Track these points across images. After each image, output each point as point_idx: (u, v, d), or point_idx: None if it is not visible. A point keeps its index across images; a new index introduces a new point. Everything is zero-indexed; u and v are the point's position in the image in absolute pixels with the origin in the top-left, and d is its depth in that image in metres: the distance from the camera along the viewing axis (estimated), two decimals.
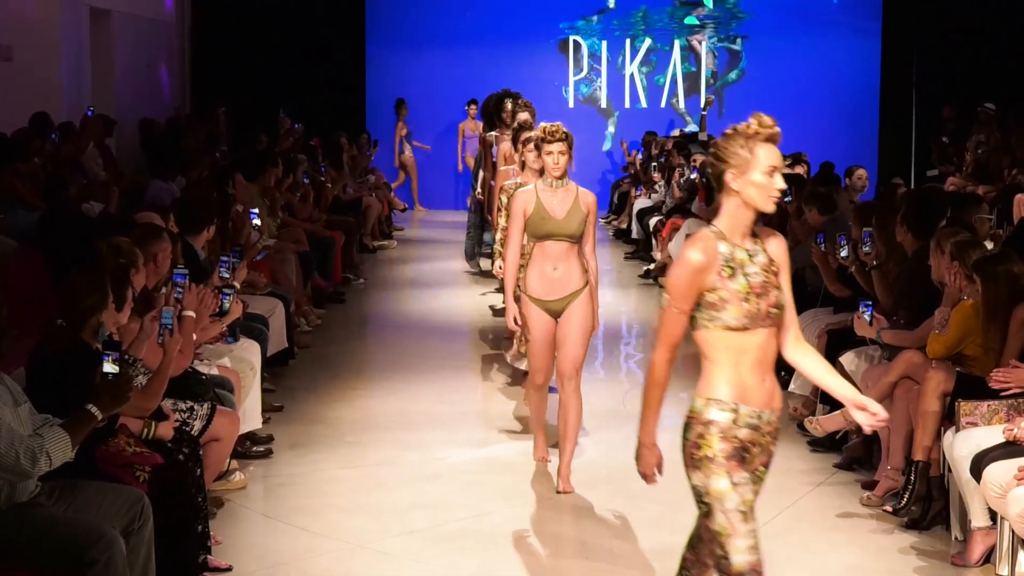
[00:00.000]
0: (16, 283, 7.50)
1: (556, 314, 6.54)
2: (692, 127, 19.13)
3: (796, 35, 19.73)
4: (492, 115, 11.68)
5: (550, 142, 6.50)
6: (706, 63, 19.86)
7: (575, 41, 19.80)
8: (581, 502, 6.52)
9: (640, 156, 17.02)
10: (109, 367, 4.69)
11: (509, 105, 11.20)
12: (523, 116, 9.40)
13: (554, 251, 6.48)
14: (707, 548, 3.83)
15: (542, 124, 6.61)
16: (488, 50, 19.46)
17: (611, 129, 19.89)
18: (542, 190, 6.54)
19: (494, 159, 11.12)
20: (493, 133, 11.43)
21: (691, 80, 20.00)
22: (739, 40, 19.90)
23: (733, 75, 20.03)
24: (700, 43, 19.93)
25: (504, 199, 8.53)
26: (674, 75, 19.98)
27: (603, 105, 20.04)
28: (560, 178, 6.52)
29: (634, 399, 8.48)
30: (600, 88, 19.93)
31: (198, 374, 6.33)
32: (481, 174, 12.13)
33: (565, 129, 6.55)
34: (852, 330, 7.13)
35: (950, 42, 18.32)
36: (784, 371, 8.52)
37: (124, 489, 4.85)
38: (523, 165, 8.28)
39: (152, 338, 5.65)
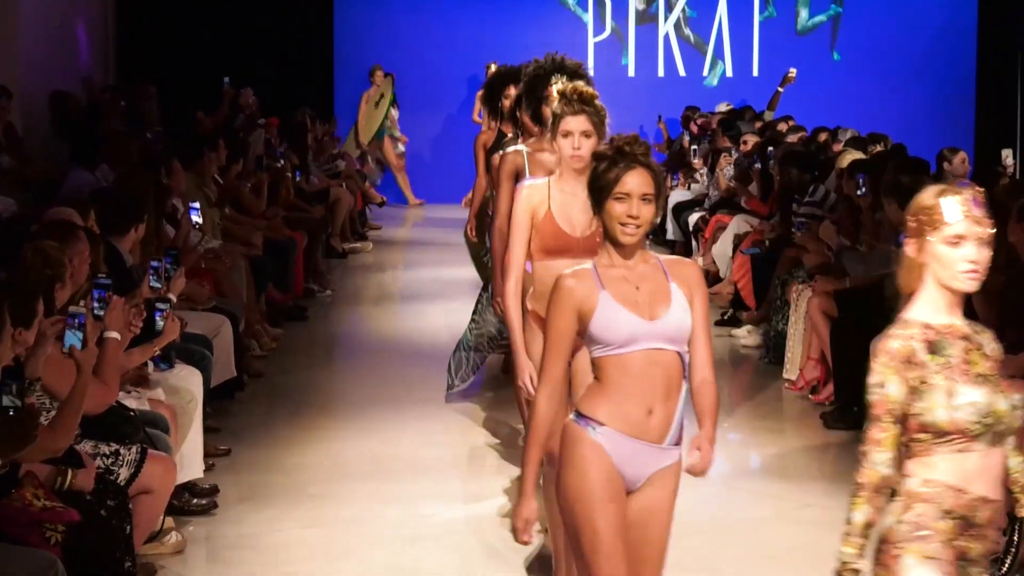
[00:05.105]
0: None
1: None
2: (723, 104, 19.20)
3: None
4: (526, 110, 7.06)
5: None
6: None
7: None
8: None
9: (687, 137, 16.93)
10: (8, 401, 4.68)
11: (555, 90, 6.20)
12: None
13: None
14: None
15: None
16: (492, 7, 19.53)
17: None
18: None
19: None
20: (521, 147, 6.95)
21: (741, 43, 20.11)
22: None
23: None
24: None
25: None
26: (719, 36, 20.08)
27: (631, 73, 20.10)
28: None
29: None
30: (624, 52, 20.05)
31: (125, 410, 6.34)
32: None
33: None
34: None
35: None
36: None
37: (32, 553, 4.86)
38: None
39: (55, 352, 5.59)
